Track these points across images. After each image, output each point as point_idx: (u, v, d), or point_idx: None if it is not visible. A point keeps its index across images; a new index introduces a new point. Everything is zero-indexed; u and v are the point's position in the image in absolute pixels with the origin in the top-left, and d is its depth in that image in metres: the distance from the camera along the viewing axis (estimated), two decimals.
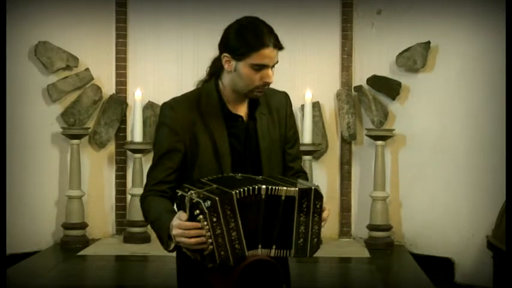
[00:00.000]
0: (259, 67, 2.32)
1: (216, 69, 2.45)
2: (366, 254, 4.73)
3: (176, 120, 2.38)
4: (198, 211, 2.10)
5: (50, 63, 5.00)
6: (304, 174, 2.56)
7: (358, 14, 5.21)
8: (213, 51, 5.48)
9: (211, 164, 2.37)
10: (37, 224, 4.99)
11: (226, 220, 2.11)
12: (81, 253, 4.70)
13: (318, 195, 2.21)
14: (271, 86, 2.48)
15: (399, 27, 5.06)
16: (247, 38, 2.32)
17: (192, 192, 2.13)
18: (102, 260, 4.58)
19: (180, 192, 2.19)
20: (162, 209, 2.29)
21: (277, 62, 2.37)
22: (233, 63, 2.34)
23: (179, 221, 2.17)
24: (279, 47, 2.34)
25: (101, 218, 5.25)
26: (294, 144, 2.55)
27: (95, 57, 5.21)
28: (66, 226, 4.94)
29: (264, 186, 2.16)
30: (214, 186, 2.17)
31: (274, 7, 5.08)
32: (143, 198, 2.42)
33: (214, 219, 2.10)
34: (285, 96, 2.57)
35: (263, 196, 2.17)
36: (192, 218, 2.13)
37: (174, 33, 5.26)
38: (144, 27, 5.30)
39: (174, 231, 2.18)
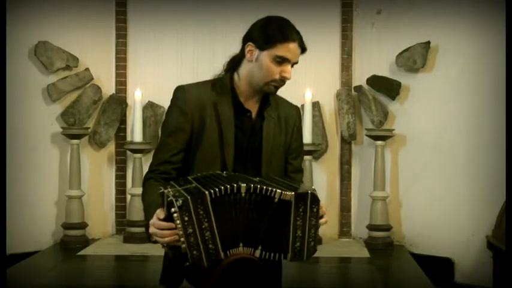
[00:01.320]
0: (281, 60, 2.36)
1: (233, 64, 2.49)
2: (366, 254, 4.72)
3: (186, 101, 2.41)
4: (173, 209, 2.10)
5: (50, 63, 5.00)
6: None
7: (358, 14, 5.22)
8: (212, 52, 5.48)
9: (214, 150, 2.39)
10: (37, 224, 4.99)
11: (199, 220, 2.10)
12: (81, 253, 4.70)
13: (315, 199, 2.19)
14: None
15: (399, 27, 5.06)
16: (274, 30, 2.37)
17: (170, 190, 2.13)
18: (102, 260, 4.57)
19: (161, 189, 2.19)
20: (152, 200, 2.29)
21: (297, 62, 2.42)
22: (256, 52, 2.38)
23: (155, 220, 2.18)
24: (302, 46, 2.40)
25: (101, 218, 5.26)
26: (296, 156, 2.57)
27: (95, 57, 5.21)
28: (66, 226, 4.94)
29: (243, 185, 2.14)
30: (194, 185, 2.17)
31: (274, 7, 5.06)
32: (145, 179, 2.45)
33: (186, 218, 2.09)
34: (296, 109, 2.61)
35: (243, 195, 2.14)
36: (169, 215, 2.13)
37: (174, 33, 5.26)
38: (144, 27, 5.30)
39: (150, 230, 2.20)
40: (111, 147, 5.29)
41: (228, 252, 2.15)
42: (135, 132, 5.02)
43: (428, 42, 4.92)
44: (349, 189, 5.25)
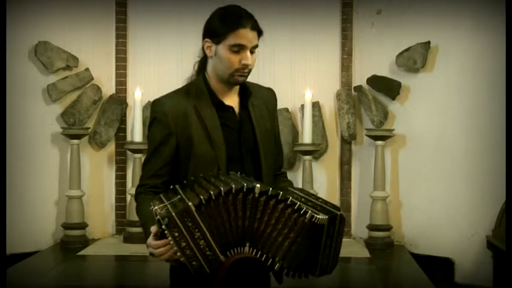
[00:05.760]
0: (238, 48, 2.33)
1: (202, 65, 2.49)
2: (366, 254, 4.73)
3: (166, 113, 2.39)
4: (162, 227, 2.10)
5: (50, 63, 5.00)
6: (287, 178, 2.59)
7: (358, 14, 5.22)
8: None
9: (206, 153, 2.36)
10: (37, 224, 4.99)
11: (190, 231, 2.08)
12: (81, 253, 4.70)
13: (343, 220, 2.26)
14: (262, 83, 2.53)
15: (399, 27, 5.07)
16: (224, 20, 2.35)
17: (157, 207, 2.13)
18: (102, 260, 4.57)
19: (152, 206, 2.19)
20: (147, 216, 2.28)
21: (257, 45, 2.37)
22: (213, 47, 2.37)
23: (150, 240, 2.18)
24: (257, 29, 2.36)
25: (101, 218, 5.26)
26: (279, 138, 2.58)
27: (95, 57, 5.21)
28: (66, 226, 4.94)
29: (258, 185, 2.12)
30: (179, 196, 2.15)
31: (274, 7, 5.07)
32: (136, 194, 2.47)
33: (176, 234, 2.08)
34: (272, 91, 2.60)
35: (256, 195, 2.12)
36: (162, 232, 2.13)
37: (174, 32, 5.26)
38: (144, 27, 5.30)
39: (149, 250, 2.20)
40: (111, 147, 5.29)
41: (228, 253, 2.14)
42: (135, 132, 5.02)
43: (428, 42, 4.92)
44: (349, 189, 5.25)
